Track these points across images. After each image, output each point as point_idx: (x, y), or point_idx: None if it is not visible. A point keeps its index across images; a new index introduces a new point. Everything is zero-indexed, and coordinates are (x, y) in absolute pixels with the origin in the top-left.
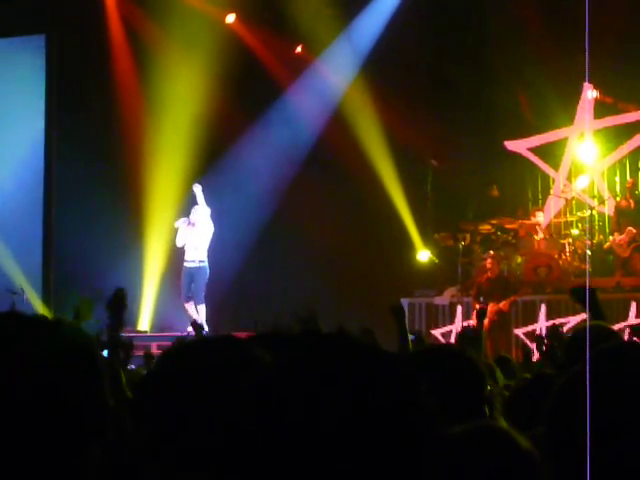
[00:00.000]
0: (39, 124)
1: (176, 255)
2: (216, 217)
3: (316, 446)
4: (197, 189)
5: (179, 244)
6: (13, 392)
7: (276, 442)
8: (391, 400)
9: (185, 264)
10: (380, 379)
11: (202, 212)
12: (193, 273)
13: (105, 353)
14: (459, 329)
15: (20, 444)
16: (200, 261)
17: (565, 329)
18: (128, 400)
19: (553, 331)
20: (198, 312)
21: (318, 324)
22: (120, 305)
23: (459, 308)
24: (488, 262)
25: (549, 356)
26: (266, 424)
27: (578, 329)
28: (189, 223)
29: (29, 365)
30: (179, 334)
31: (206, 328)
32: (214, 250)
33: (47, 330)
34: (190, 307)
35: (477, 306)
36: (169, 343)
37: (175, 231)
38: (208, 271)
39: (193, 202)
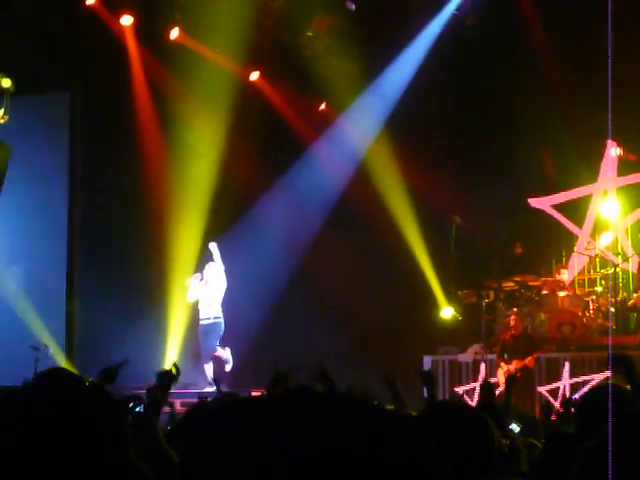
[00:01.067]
0: (64, 180)
1: (197, 312)
2: (238, 272)
3: None
4: (213, 247)
5: (191, 300)
6: (50, 449)
7: None
8: (401, 461)
9: (200, 322)
10: (389, 440)
11: (216, 269)
12: (207, 330)
13: (140, 408)
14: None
15: None
16: (215, 317)
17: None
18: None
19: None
20: (205, 369)
21: (331, 381)
22: (171, 378)
23: (482, 365)
24: (512, 319)
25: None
26: None
27: (591, 390)
28: (201, 279)
29: (61, 426)
30: (201, 391)
31: (213, 387)
32: (238, 305)
33: (79, 394)
34: (209, 365)
35: (503, 366)
36: (193, 400)
37: (188, 287)
38: (223, 327)
39: (209, 259)
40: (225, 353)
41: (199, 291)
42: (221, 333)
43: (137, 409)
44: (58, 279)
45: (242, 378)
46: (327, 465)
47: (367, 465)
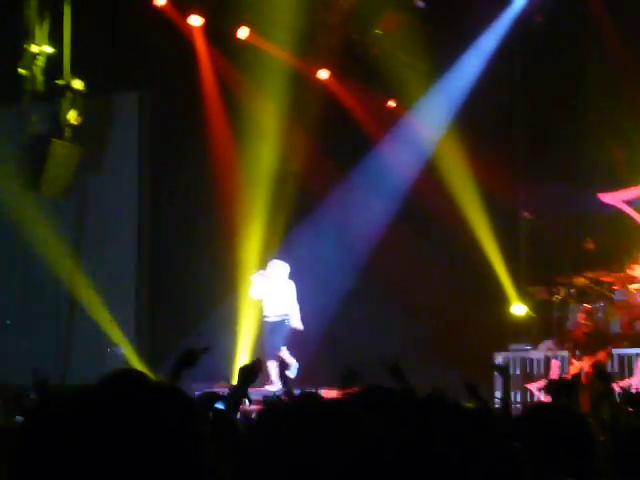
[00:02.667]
0: (133, 180)
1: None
2: (307, 268)
3: None
4: (277, 266)
5: (254, 296)
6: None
7: None
8: (485, 460)
9: (265, 319)
10: (474, 439)
11: (280, 267)
12: (273, 327)
13: (220, 405)
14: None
15: None
16: (282, 315)
17: None
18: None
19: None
20: (269, 368)
21: (404, 378)
22: (253, 375)
23: (554, 362)
24: (584, 315)
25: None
26: None
27: None
28: (265, 276)
29: (142, 430)
30: (269, 389)
31: (278, 385)
32: (307, 301)
33: (158, 395)
34: (272, 364)
35: (575, 363)
36: (262, 398)
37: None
38: (289, 327)
39: (274, 255)
40: (288, 356)
41: (264, 288)
42: (286, 333)
43: (216, 405)
44: (128, 278)
45: (314, 375)
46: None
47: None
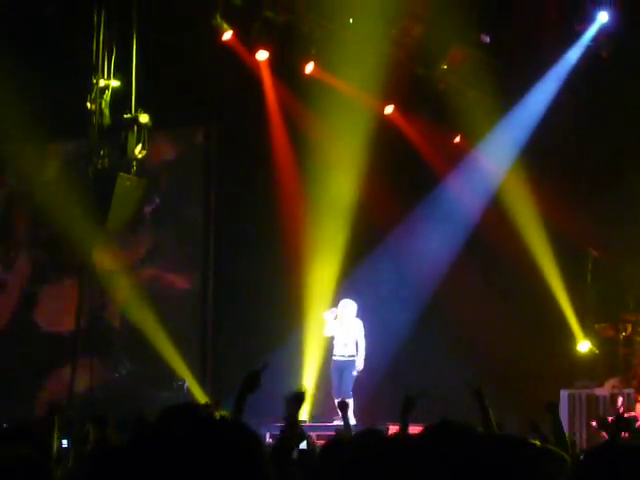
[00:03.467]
0: (200, 213)
1: (331, 346)
2: (372, 306)
3: None
4: (347, 306)
5: (327, 334)
6: None
7: None
8: None
9: (334, 358)
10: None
11: (350, 306)
12: (342, 367)
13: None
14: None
15: None
16: (350, 356)
17: None
18: None
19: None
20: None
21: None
22: (300, 402)
23: (620, 399)
24: None
25: None
26: None
27: None
28: (335, 316)
29: (207, 468)
30: (332, 424)
31: (354, 421)
32: (371, 335)
33: (222, 431)
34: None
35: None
36: (329, 433)
37: (324, 321)
38: (358, 366)
39: (344, 294)
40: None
41: (334, 327)
42: (356, 372)
43: (301, 445)
44: (195, 311)
45: (377, 411)
46: None
47: None
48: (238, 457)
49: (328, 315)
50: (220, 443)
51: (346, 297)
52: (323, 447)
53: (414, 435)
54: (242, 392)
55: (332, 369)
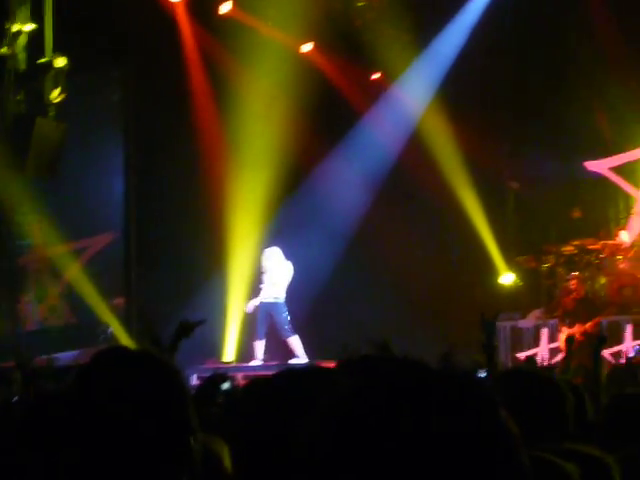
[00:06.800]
0: (118, 157)
1: (258, 287)
2: (295, 247)
3: (394, 471)
4: (272, 253)
5: (249, 311)
6: (122, 417)
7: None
8: (473, 426)
9: (261, 300)
10: (460, 405)
11: (273, 255)
12: (269, 309)
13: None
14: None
15: (124, 455)
16: (275, 297)
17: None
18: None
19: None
20: (291, 345)
21: (392, 351)
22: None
23: (544, 330)
24: (572, 283)
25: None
26: (345, 451)
27: None
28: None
29: (135, 394)
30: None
31: (305, 359)
32: (296, 276)
33: (147, 364)
34: (260, 345)
35: (565, 331)
36: (254, 373)
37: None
38: (285, 307)
39: (268, 241)
40: (295, 342)
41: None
42: (285, 312)
43: (225, 387)
44: (116, 254)
45: (306, 349)
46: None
47: (437, 433)
48: (157, 391)
49: (249, 308)
50: (139, 376)
51: (270, 242)
52: (244, 387)
53: (331, 368)
54: (176, 337)
55: (258, 311)
